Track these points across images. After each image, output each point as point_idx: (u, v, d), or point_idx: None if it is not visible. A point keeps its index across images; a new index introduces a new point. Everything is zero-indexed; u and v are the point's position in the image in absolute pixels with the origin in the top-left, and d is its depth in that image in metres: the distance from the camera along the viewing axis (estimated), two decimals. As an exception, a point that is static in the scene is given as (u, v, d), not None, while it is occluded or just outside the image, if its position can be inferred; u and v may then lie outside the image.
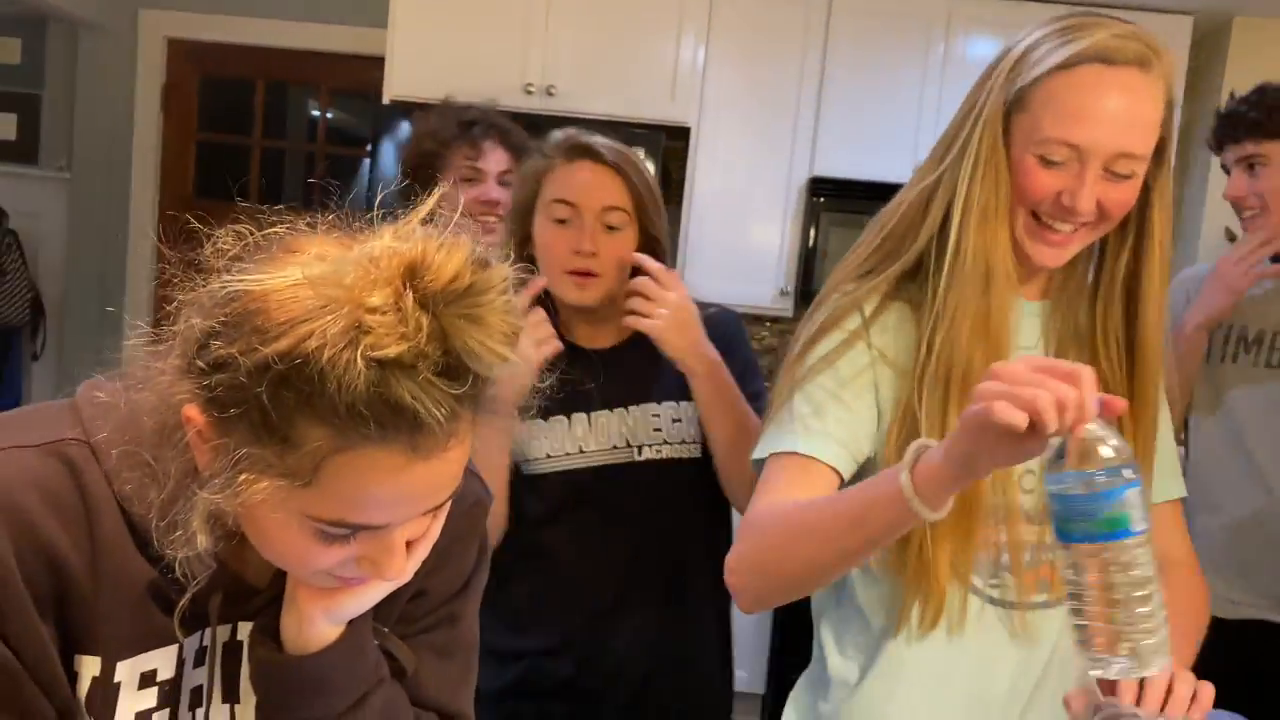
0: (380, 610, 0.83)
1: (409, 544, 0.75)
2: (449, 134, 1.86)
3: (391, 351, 0.63)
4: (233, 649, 0.83)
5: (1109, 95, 1.01)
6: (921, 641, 1.10)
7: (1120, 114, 1.01)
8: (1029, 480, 1.10)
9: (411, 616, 0.90)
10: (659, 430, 1.46)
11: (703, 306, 1.45)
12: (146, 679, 0.78)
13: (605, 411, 1.45)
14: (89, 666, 0.76)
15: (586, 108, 3.30)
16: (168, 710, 0.80)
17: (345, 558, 0.73)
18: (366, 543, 0.72)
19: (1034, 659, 1.13)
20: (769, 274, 3.51)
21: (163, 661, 0.79)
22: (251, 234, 0.73)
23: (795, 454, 1.08)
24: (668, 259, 1.46)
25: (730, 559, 1.08)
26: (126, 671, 0.77)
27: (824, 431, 1.08)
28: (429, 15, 3.31)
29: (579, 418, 1.45)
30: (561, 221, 1.41)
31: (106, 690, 0.76)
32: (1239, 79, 3.43)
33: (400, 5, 3.31)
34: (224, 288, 0.68)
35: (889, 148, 3.37)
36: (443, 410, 0.66)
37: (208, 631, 0.81)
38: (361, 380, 0.63)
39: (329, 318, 0.64)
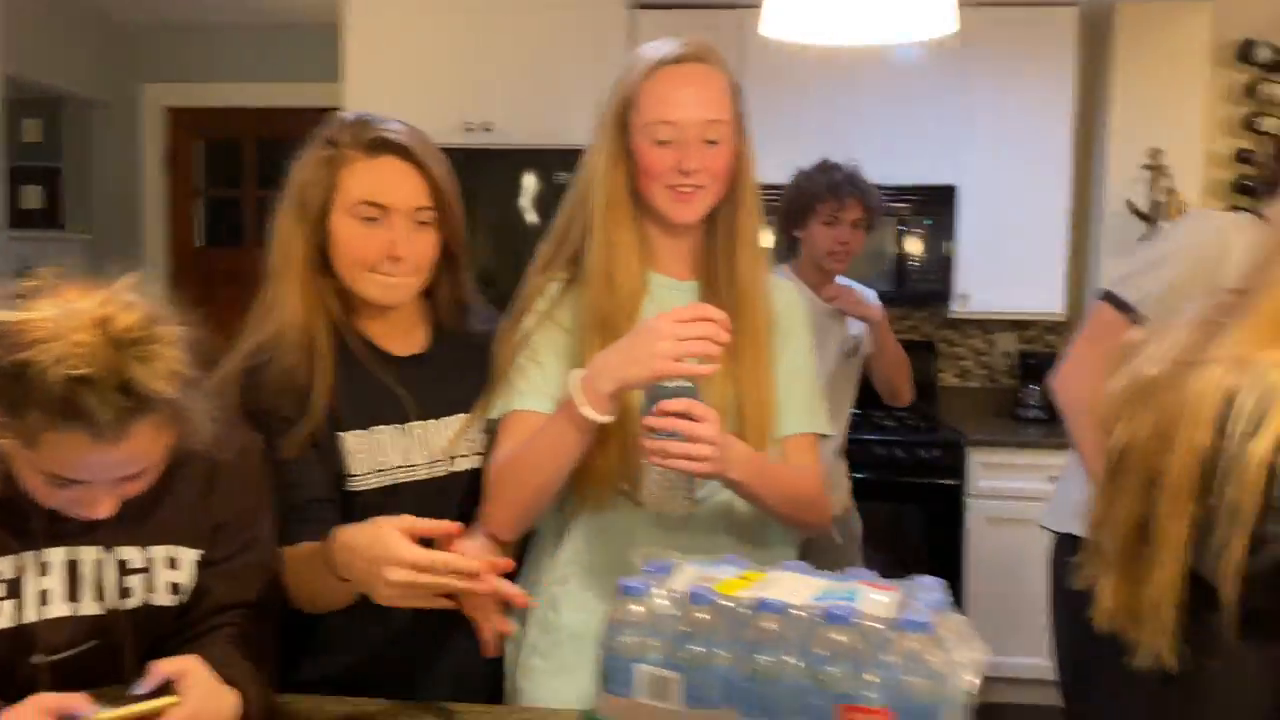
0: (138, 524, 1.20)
1: (122, 489, 1.11)
2: (817, 188, 2.59)
3: (79, 371, 1.00)
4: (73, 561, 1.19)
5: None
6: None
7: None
8: None
9: (219, 549, 1.26)
10: (471, 440, 1.48)
11: None
12: None
13: (422, 422, 1.45)
14: None
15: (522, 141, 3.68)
16: (12, 600, 1.16)
17: (67, 499, 1.10)
18: (77, 491, 1.09)
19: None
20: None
21: (3, 565, 1.16)
22: (33, 281, 1.10)
23: (513, 411, 1.42)
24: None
25: (484, 507, 1.39)
26: None
27: (529, 390, 1.42)
28: (374, 67, 3.73)
29: (396, 429, 1.43)
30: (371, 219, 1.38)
31: None
32: (1128, 65, 3.70)
33: (350, 61, 3.74)
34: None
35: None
36: (111, 414, 1.01)
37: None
38: (60, 386, 1.00)
39: (52, 343, 1.01)
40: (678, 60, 1.40)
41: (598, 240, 1.42)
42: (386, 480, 1.42)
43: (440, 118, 3.63)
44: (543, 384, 1.42)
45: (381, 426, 1.42)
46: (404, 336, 1.48)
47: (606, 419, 1.28)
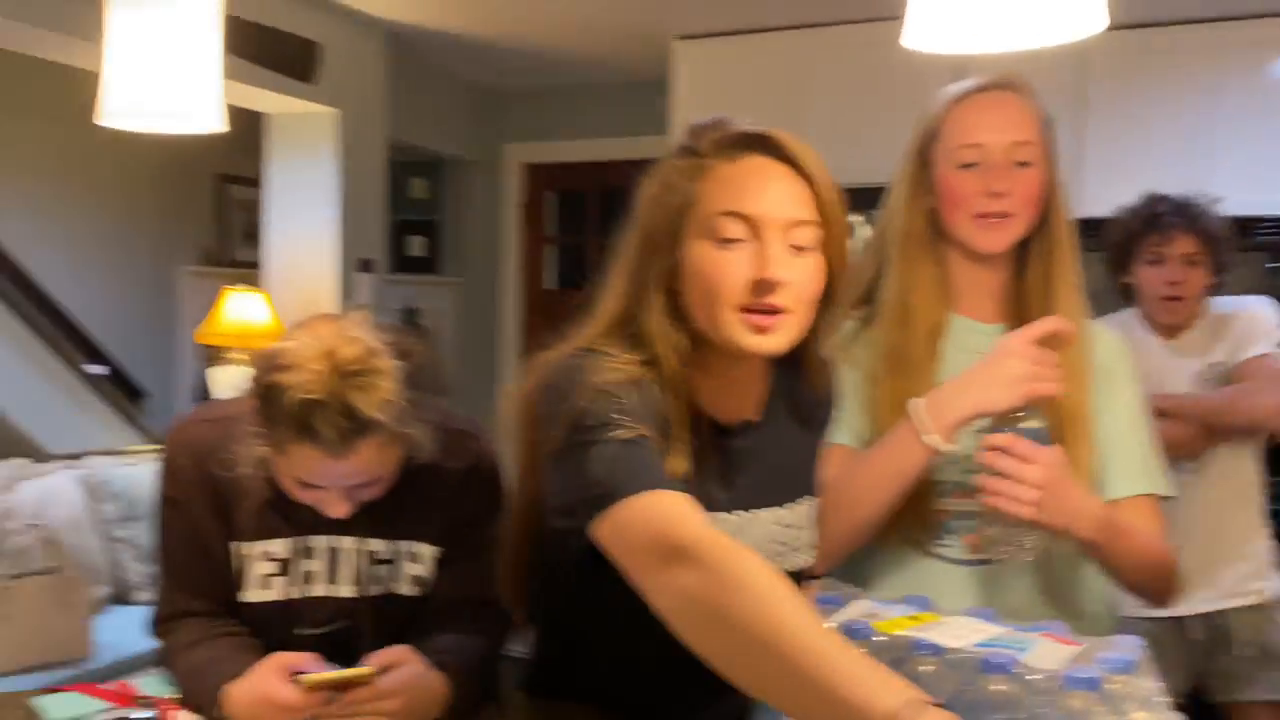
0: (387, 521, 1.36)
1: (356, 495, 1.27)
2: (1136, 223, 2.26)
3: (311, 396, 1.16)
4: (334, 549, 1.38)
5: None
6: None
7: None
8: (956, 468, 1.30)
9: (453, 548, 1.40)
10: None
11: None
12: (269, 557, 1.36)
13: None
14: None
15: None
16: (283, 577, 1.37)
17: (312, 499, 1.27)
18: (318, 493, 1.26)
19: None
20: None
21: (278, 547, 1.37)
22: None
23: (834, 445, 1.31)
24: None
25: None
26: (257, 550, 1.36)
27: (836, 423, 1.33)
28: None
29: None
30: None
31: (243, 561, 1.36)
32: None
33: (676, 113, 3.95)
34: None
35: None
36: (335, 434, 1.16)
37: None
38: (297, 408, 1.17)
39: (296, 369, 1.18)
40: (982, 89, 1.36)
41: (894, 275, 1.38)
42: None
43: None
44: (843, 421, 1.35)
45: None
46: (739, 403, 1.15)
47: (951, 448, 1.22)
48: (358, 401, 1.17)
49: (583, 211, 4.99)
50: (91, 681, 1.43)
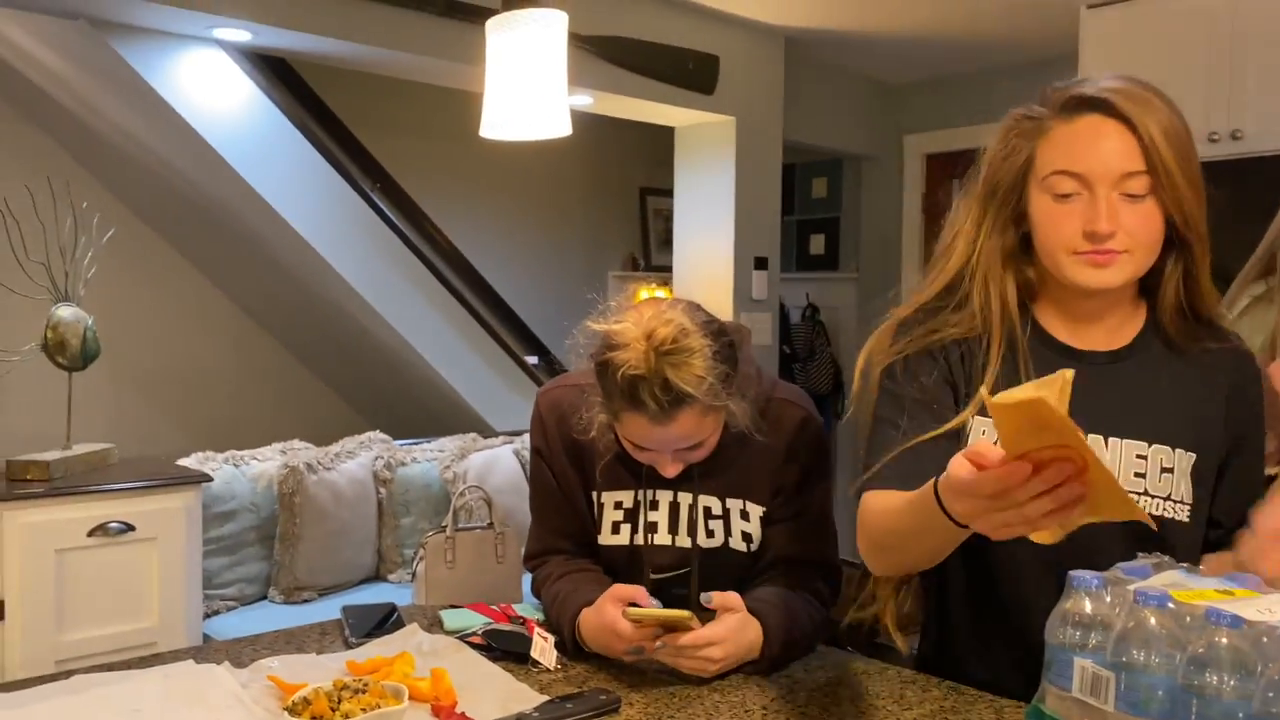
0: (717, 478, 1.47)
1: (684, 457, 1.39)
2: None
3: (634, 371, 1.30)
4: (675, 503, 1.53)
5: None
6: None
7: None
8: None
9: (779, 509, 1.50)
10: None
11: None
12: (618, 505, 1.54)
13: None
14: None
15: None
16: (629, 525, 1.54)
17: (646, 459, 1.41)
18: (651, 455, 1.39)
19: None
20: None
21: (625, 497, 1.54)
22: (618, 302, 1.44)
23: None
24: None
25: None
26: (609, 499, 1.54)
27: None
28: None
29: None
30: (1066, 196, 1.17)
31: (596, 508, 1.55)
32: None
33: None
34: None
35: None
36: (656, 405, 1.29)
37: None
38: (625, 381, 1.31)
39: (621, 349, 1.32)
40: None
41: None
42: None
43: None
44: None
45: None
46: (1106, 334, 1.25)
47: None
48: (673, 376, 1.30)
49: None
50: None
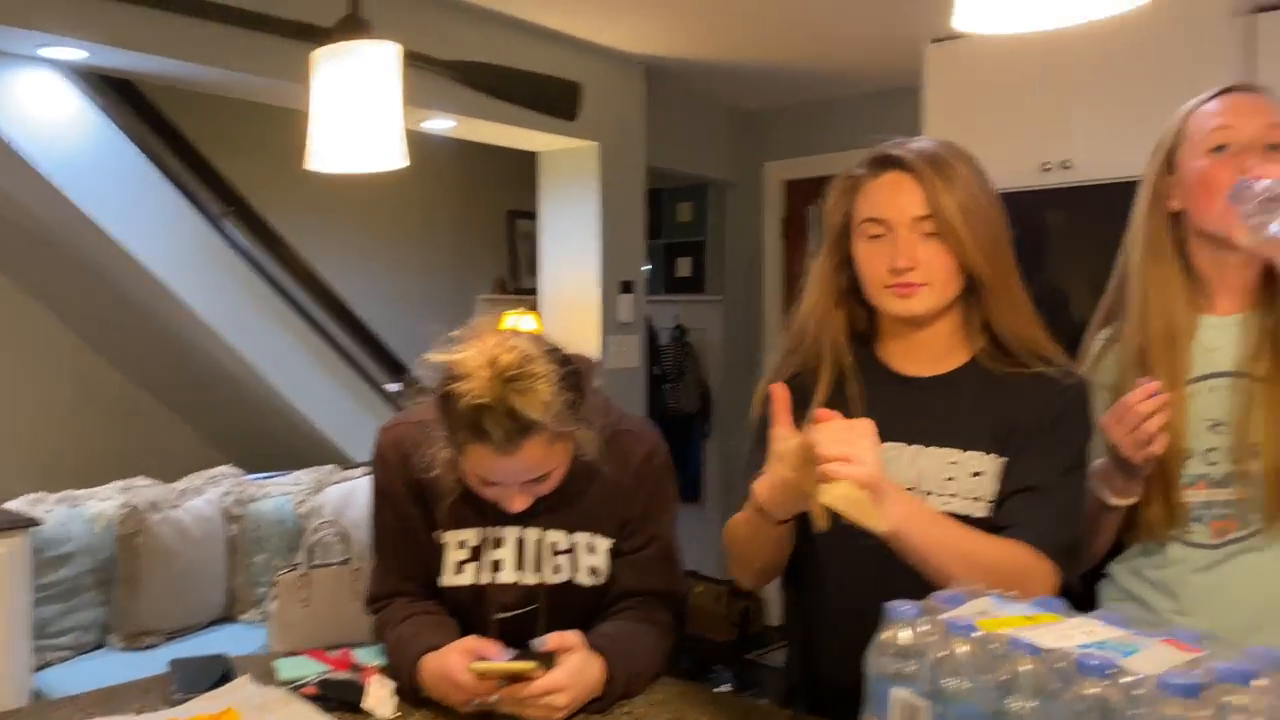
0: (564, 511, 1.46)
1: (531, 490, 1.38)
2: None
3: (478, 399, 1.28)
4: (521, 539, 1.51)
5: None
6: None
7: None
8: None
9: (625, 541, 1.49)
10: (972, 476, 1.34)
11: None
12: (462, 544, 1.51)
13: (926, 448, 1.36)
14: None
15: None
16: (474, 563, 1.51)
17: (492, 494, 1.39)
18: (497, 490, 1.38)
19: None
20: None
21: (470, 535, 1.51)
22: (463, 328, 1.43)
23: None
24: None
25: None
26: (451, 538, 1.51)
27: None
28: (952, 120, 3.80)
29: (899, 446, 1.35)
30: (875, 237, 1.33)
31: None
32: None
33: (929, 119, 3.86)
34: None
35: None
36: (502, 433, 1.28)
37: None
38: (469, 409, 1.29)
39: (463, 379, 1.29)
40: (1225, 91, 1.42)
41: (1137, 280, 1.45)
42: None
43: (1019, 161, 3.62)
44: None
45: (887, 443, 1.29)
46: (933, 361, 1.38)
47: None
48: (518, 404, 1.29)
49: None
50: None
